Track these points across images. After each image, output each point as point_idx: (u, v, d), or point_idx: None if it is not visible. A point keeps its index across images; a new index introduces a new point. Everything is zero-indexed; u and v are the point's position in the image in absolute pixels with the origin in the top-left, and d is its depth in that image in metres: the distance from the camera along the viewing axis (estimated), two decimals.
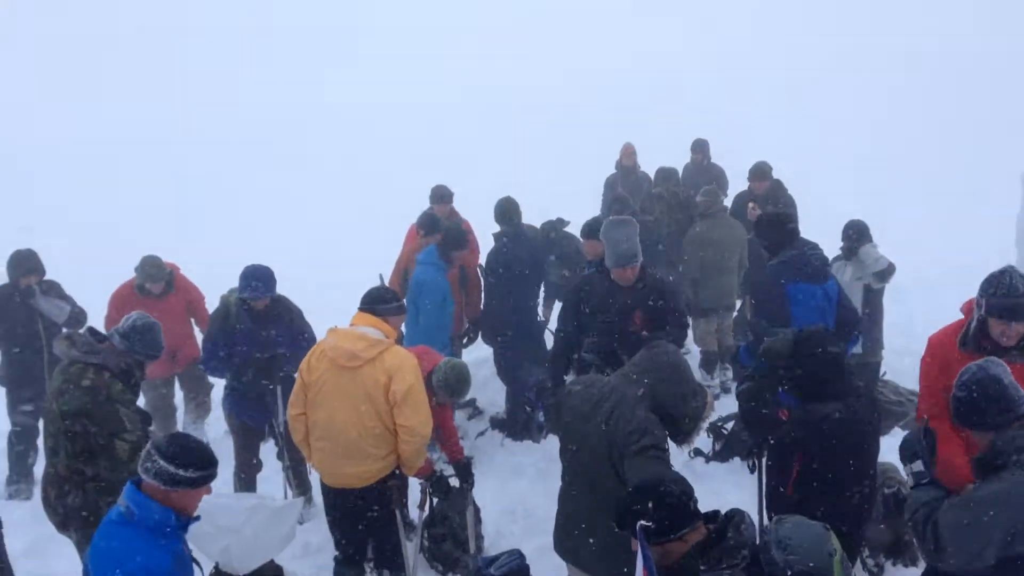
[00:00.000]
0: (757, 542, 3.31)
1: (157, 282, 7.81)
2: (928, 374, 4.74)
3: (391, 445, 5.30)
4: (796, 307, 6.26)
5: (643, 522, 3.29)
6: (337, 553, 5.74)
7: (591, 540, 4.39)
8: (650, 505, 3.34)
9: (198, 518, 3.82)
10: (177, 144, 22.91)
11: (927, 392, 4.77)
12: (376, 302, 5.45)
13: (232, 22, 30.54)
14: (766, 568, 3.20)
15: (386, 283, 7.96)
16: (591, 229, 7.44)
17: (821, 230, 7.99)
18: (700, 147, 11.86)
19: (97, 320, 7.34)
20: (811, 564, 3.13)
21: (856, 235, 7.90)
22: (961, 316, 4.67)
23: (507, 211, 8.21)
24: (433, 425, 6.27)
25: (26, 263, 7.60)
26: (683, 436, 4.58)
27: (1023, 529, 3.50)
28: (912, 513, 3.83)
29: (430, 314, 7.66)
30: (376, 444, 5.27)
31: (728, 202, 9.89)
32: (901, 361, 8.61)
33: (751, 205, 9.06)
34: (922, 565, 4.96)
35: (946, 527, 3.64)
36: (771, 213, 7.33)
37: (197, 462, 3.65)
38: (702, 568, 3.24)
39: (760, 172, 9.59)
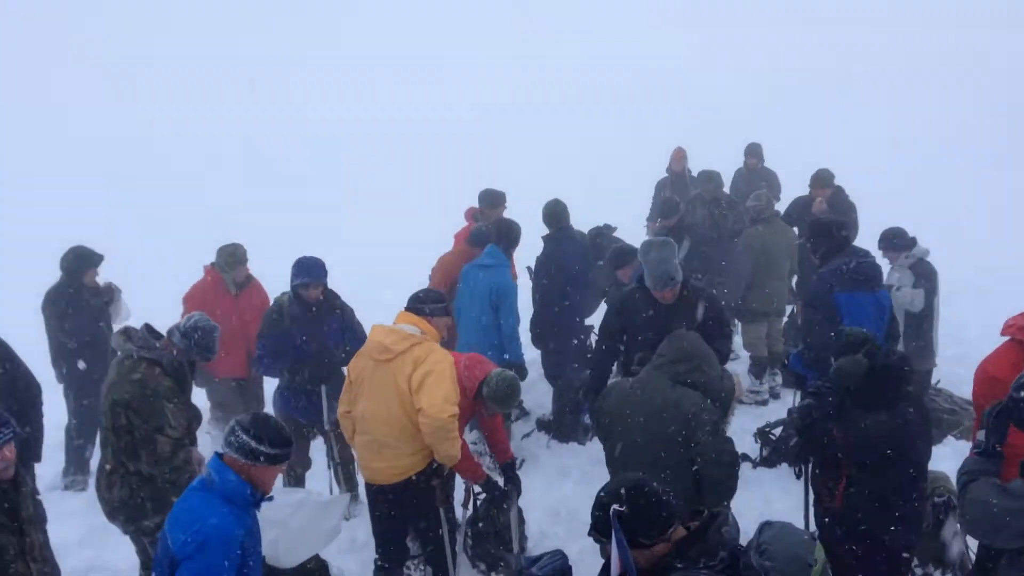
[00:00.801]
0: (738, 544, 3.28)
1: (243, 264, 7.77)
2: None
3: (420, 441, 5.26)
4: (847, 316, 6.11)
5: (617, 507, 3.17)
6: (376, 551, 5.77)
7: None
8: (637, 505, 3.21)
9: (271, 497, 4.04)
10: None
11: None
12: (422, 302, 5.45)
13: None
14: (744, 572, 3.17)
15: None
16: (620, 257, 7.30)
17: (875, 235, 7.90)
18: (754, 151, 11.78)
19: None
20: (787, 572, 3.10)
21: (901, 243, 7.77)
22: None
23: (555, 214, 8.19)
24: (487, 430, 6.33)
25: (91, 259, 7.71)
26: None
27: None
28: (959, 476, 3.91)
29: (513, 316, 7.60)
30: (401, 438, 5.25)
31: (780, 207, 9.80)
32: (954, 370, 8.44)
33: (818, 199, 8.94)
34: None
35: (972, 500, 3.69)
36: (821, 220, 7.23)
37: (276, 440, 3.90)
38: (678, 566, 3.17)
39: (822, 179, 9.41)
